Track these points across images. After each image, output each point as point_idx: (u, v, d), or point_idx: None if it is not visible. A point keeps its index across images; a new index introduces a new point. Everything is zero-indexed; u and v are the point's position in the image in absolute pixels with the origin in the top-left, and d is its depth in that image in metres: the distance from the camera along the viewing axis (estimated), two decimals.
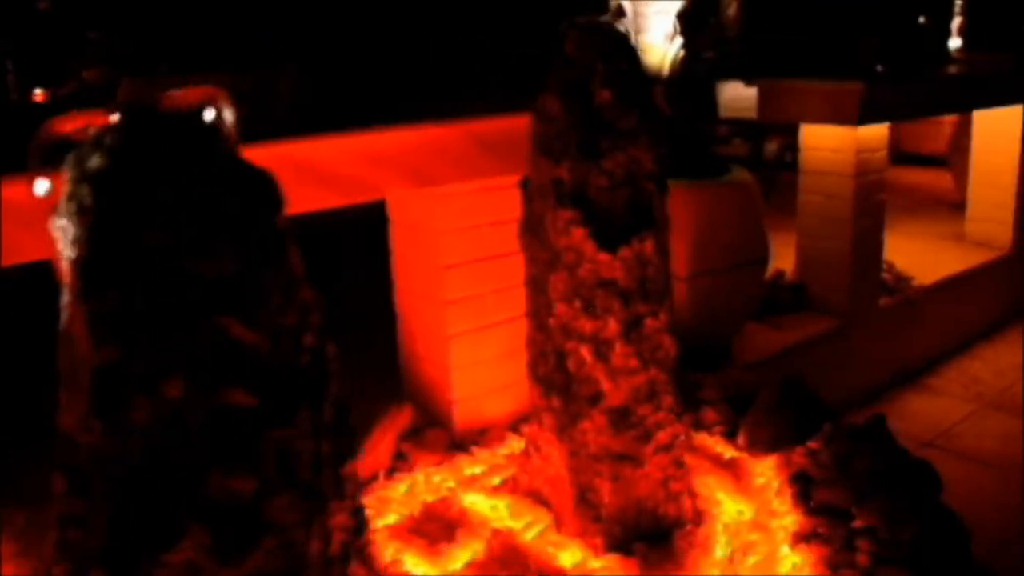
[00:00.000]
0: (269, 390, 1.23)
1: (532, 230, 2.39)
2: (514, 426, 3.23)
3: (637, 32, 3.95)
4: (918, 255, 5.25)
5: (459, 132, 2.95)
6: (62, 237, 1.22)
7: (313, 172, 2.63)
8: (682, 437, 2.56)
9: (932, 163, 7.37)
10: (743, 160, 5.90)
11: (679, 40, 3.88)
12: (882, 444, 2.98)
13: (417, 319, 3.24)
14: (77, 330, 1.19)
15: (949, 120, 6.79)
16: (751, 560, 2.53)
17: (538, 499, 2.69)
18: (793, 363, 4.17)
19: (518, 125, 3.03)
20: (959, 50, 6.47)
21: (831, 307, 4.51)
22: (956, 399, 4.65)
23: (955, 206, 6.26)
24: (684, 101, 3.95)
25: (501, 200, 3.21)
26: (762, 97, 4.45)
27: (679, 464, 2.57)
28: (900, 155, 7.39)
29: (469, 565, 2.49)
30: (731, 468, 2.99)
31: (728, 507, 2.76)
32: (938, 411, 4.58)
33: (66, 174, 1.22)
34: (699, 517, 2.67)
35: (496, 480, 2.88)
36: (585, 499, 2.49)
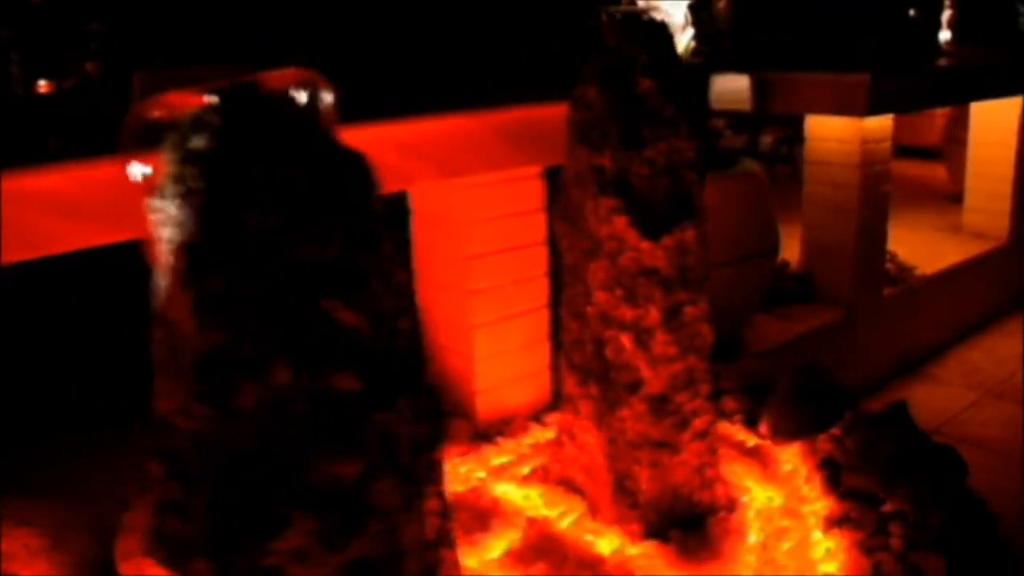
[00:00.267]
0: (371, 374, 1.23)
1: (569, 219, 2.40)
2: (536, 416, 3.25)
3: None
4: (917, 245, 5.31)
5: (485, 122, 2.95)
6: (161, 219, 1.21)
7: None
8: (716, 424, 2.58)
9: (925, 155, 7.45)
10: (739, 153, 5.94)
11: (690, 31, 3.91)
12: (905, 430, 3.02)
13: (439, 310, 3.24)
14: (178, 314, 1.18)
15: (941, 112, 6.86)
16: (785, 546, 2.55)
17: (571, 487, 2.70)
18: (801, 353, 4.21)
19: (542, 115, 3.05)
20: (949, 42, 6.52)
21: (837, 297, 4.55)
22: (958, 388, 4.70)
23: (950, 197, 6.33)
24: (693, 92, 3.98)
25: (523, 190, 3.22)
26: (766, 89, 4.47)
27: (713, 451, 2.60)
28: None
29: (506, 554, 2.49)
30: (756, 455, 3.02)
31: (758, 494, 2.78)
32: (941, 400, 4.63)
33: (166, 155, 1.21)
34: (731, 504, 2.69)
35: (525, 469, 2.89)
36: (622, 486, 2.50)
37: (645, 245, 2.25)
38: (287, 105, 1.23)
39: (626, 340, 2.36)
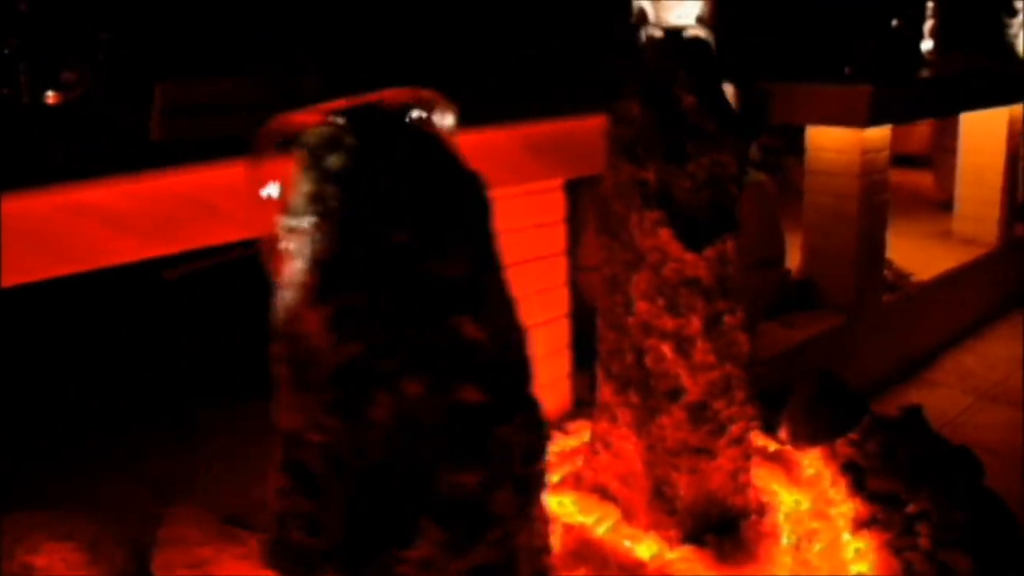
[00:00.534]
0: (492, 386, 1.27)
1: (610, 231, 2.45)
2: (558, 424, 3.29)
3: None
4: (910, 252, 5.41)
5: (512, 135, 3.01)
6: (294, 236, 1.24)
7: None
8: (750, 430, 2.65)
9: (911, 163, 7.57)
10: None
11: None
12: (922, 434, 3.11)
13: None
14: (309, 328, 1.22)
15: (926, 121, 6.99)
16: (817, 547, 2.63)
17: (604, 495, 2.76)
18: (806, 358, 4.30)
19: (567, 128, 3.12)
20: (931, 52, 6.65)
21: (837, 303, 4.64)
22: (954, 391, 4.80)
23: (938, 204, 6.46)
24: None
25: (545, 202, 3.28)
26: (759, 99, 4.55)
27: (747, 456, 2.66)
28: None
29: None
30: (778, 460, 3.09)
31: (784, 497, 2.86)
32: (939, 403, 4.71)
33: (300, 173, 1.24)
34: (761, 508, 2.76)
35: (555, 477, 2.93)
36: (660, 492, 2.56)
37: (688, 256, 2.32)
38: (415, 125, 1.28)
39: (667, 349, 2.42)
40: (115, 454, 3.39)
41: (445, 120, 1.33)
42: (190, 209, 2.41)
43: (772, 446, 3.18)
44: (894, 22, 6.88)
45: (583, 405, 3.31)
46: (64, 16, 4.54)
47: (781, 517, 2.75)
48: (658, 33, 2.31)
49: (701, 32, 2.29)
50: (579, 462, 2.93)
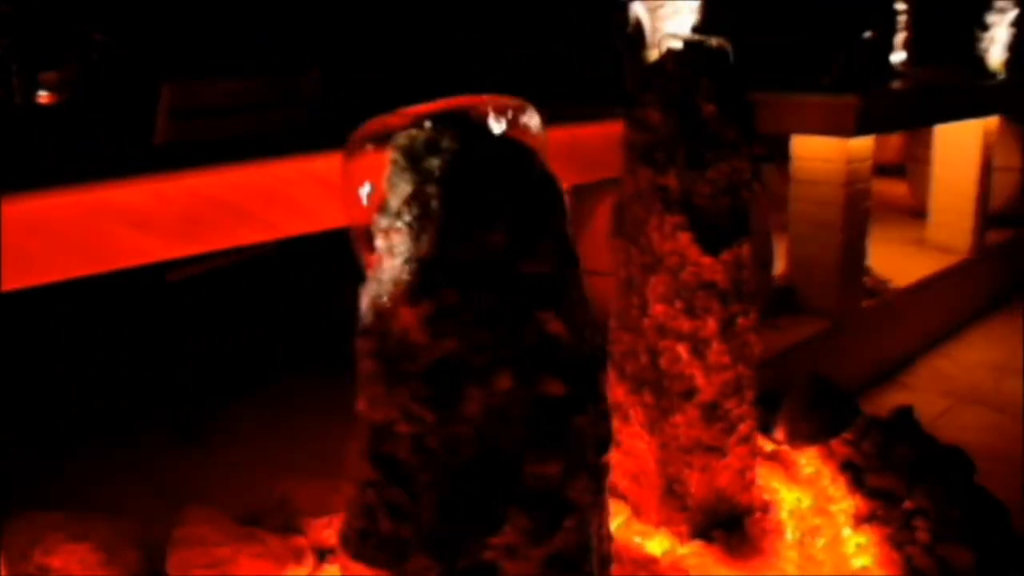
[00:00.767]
0: (572, 379, 1.34)
1: (628, 235, 2.52)
2: None
3: (653, 47, 4.15)
4: (886, 259, 5.54)
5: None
6: (391, 235, 1.29)
7: None
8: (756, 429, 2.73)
9: (883, 171, 7.73)
10: None
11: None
12: (915, 434, 3.22)
13: None
14: (404, 324, 1.26)
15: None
16: (820, 542, 2.72)
17: (614, 492, 2.81)
18: (792, 362, 4.39)
19: (576, 135, 3.19)
20: (904, 64, 6.80)
21: (820, 309, 4.75)
22: (931, 394, 4.92)
23: (911, 213, 6.62)
24: None
25: None
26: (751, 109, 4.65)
27: (754, 454, 2.75)
28: None
29: None
30: (776, 459, 3.18)
31: (786, 495, 2.94)
32: (917, 406, 4.80)
33: (397, 175, 1.29)
34: (765, 505, 2.84)
35: None
36: (672, 490, 2.63)
37: (706, 260, 2.40)
38: (509, 130, 1.33)
39: (682, 350, 2.49)
40: (118, 455, 3.40)
41: (531, 124, 1.39)
42: (212, 210, 2.44)
43: (769, 446, 3.27)
44: (867, 34, 7.02)
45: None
46: (57, 16, 4.53)
47: (784, 514, 2.83)
48: (678, 43, 2.39)
49: (722, 42, 2.37)
50: None
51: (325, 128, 4.11)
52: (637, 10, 4.15)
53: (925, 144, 6.29)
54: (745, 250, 2.44)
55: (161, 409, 3.67)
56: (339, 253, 4.18)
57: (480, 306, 1.25)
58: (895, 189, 7.13)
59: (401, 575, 1.31)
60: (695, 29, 4.18)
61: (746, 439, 2.66)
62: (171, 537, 2.63)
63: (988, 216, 5.93)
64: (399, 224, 1.27)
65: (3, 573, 2.45)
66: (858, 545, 2.71)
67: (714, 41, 2.40)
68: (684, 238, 2.38)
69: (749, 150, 2.40)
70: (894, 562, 2.61)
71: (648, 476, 2.67)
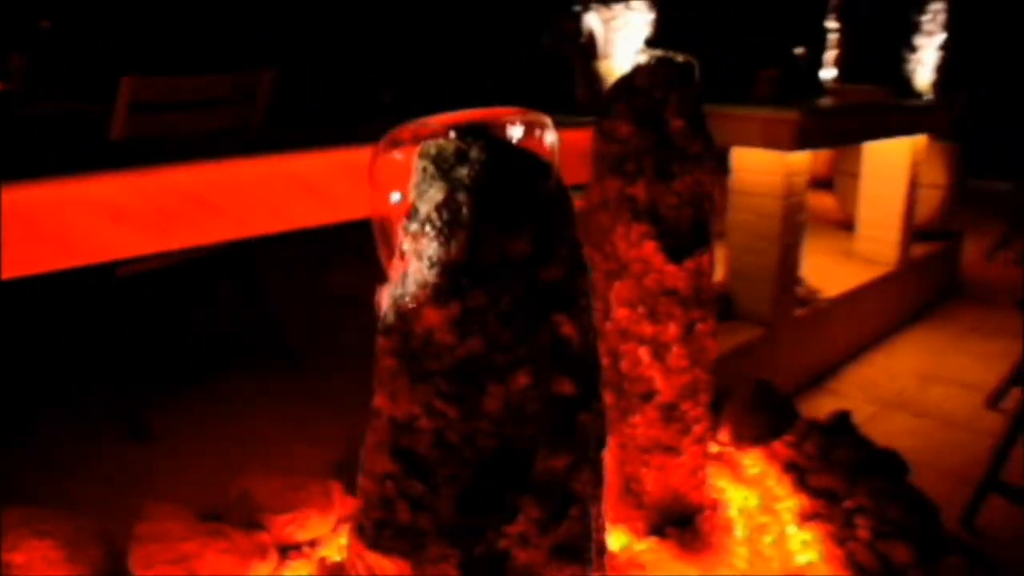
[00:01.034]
0: (579, 379, 1.41)
1: (594, 242, 2.61)
2: None
3: (605, 57, 4.27)
4: (816, 270, 5.75)
5: None
6: (419, 239, 1.35)
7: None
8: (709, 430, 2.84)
9: (812, 185, 8.00)
10: None
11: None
12: (853, 437, 3.37)
13: None
14: (429, 324, 1.33)
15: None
16: (767, 539, 2.84)
17: None
18: (728, 367, 4.54)
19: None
20: (834, 81, 7.05)
21: (756, 317, 4.92)
22: (858, 401, 5.13)
23: (839, 225, 6.87)
24: None
25: None
26: None
27: (707, 454, 2.86)
28: None
29: None
30: (722, 460, 3.31)
31: (733, 494, 3.07)
32: None
33: (427, 182, 1.35)
34: (715, 503, 2.96)
35: None
36: (629, 488, 2.73)
37: (670, 268, 2.50)
38: (527, 142, 1.41)
39: (644, 353, 2.59)
40: (65, 449, 3.37)
41: (548, 138, 1.46)
42: (187, 205, 2.46)
43: (715, 447, 3.39)
44: (798, 50, 7.25)
45: None
46: (3, 4, 4.45)
47: (733, 512, 2.96)
48: (644, 59, 2.49)
49: (688, 58, 2.47)
50: None
51: (282, 125, 4.14)
52: (591, 21, 4.26)
53: (852, 158, 6.55)
54: (706, 259, 2.55)
55: (109, 404, 3.65)
56: (281, 254, 4.21)
57: (503, 308, 1.32)
58: (823, 202, 7.39)
59: (418, 563, 1.37)
60: (647, 42, 4.31)
61: (700, 440, 2.78)
62: (133, 533, 2.63)
63: (914, 230, 6.19)
64: (428, 229, 1.34)
65: None
66: (803, 542, 2.84)
67: (680, 57, 2.50)
68: (649, 246, 2.48)
69: (712, 163, 2.51)
70: (837, 558, 2.74)
71: (607, 475, 2.76)
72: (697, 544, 2.77)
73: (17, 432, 3.43)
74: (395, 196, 1.41)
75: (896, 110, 5.92)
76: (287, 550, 2.70)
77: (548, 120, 1.48)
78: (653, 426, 2.65)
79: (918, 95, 6.38)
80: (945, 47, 6.38)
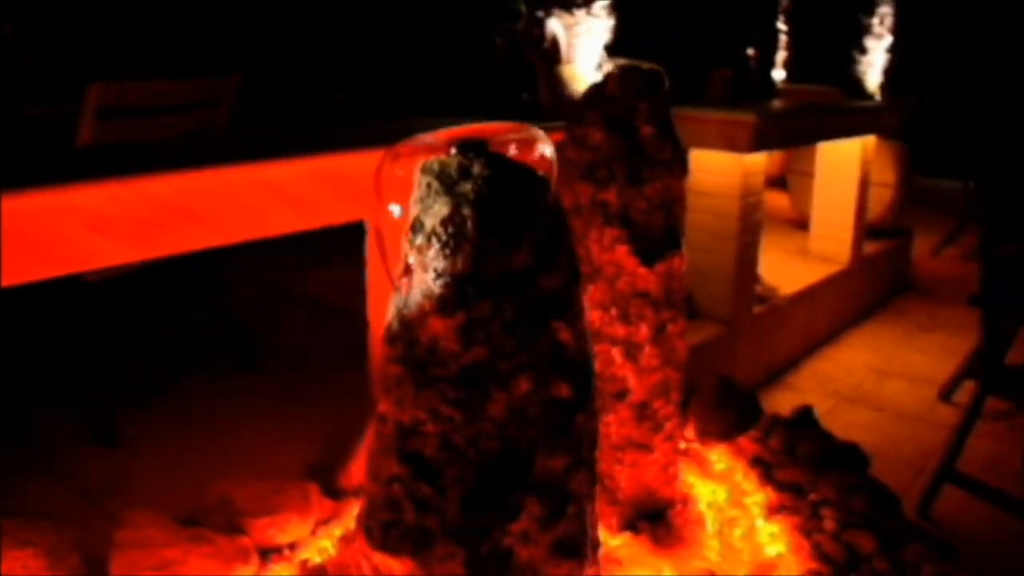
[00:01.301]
0: (576, 382, 1.47)
1: None
2: None
3: (567, 62, 4.34)
4: (772, 268, 5.88)
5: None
6: (424, 252, 1.39)
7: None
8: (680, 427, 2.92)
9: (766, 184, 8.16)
10: None
11: (604, 70, 4.28)
12: (817, 431, 3.48)
13: None
14: (435, 333, 1.38)
15: None
16: (737, 532, 2.93)
17: None
18: (689, 365, 4.64)
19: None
20: (784, 82, 7.20)
21: (715, 314, 5.03)
22: (816, 395, 5.26)
23: (793, 224, 7.02)
24: None
25: None
26: None
27: (677, 451, 2.94)
28: None
29: None
30: (689, 456, 3.39)
31: (702, 489, 3.15)
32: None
33: (431, 196, 1.39)
34: (685, 498, 3.04)
35: None
36: (603, 485, 2.80)
37: (641, 271, 2.57)
38: (524, 156, 1.46)
39: (616, 354, 2.67)
40: (32, 459, 3.36)
41: (545, 152, 1.52)
42: (167, 214, 2.48)
43: (682, 443, 3.47)
44: (749, 51, 7.38)
45: None
46: None
47: (703, 506, 3.04)
48: (611, 66, 2.56)
49: (655, 67, 2.55)
50: None
51: (243, 128, 4.15)
52: (553, 26, 4.33)
53: (805, 157, 6.69)
54: (676, 262, 2.63)
55: (75, 410, 3.65)
56: (245, 257, 4.21)
57: (507, 317, 1.38)
58: (776, 200, 7.54)
59: (425, 562, 1.42)
60: (606, 48, 4.39)
61: (671, 437, 2.85)
62: (114, 540, 2.64)
63: (866, 228, 6.35)
64: (434, 242, 1.39)
65: None
66: (771, 534, 2.93)
67: (646, 66, 2.58)
68: (622, 250, 2.55)
69: (681, 169, 2.59)
70: (805, 549, 2.84)
71: None
72: (670, 539, 2.84)
73: None
74: (395, 208, 1.46)
75: (848, 111, 6.08)
76: (267, 553, 2.73)
77: (543, 134, 1.54)
78: (626, 424, 2.72)
79: (868, 96, 6.55)
80: (893, 50, 6.55)
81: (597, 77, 4.32)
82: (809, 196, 6.47)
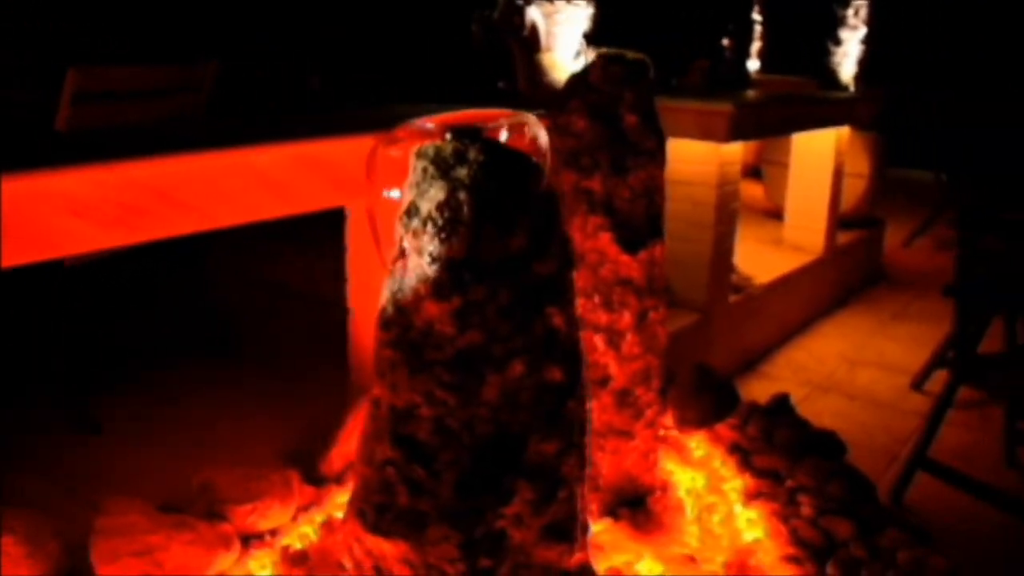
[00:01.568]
0: (567, 367, 1.48)
1: None
2: None
3: (547, 50, 4.35)
4: (746, 257, 5.93)
5: None
6: (420, 236, 1.40)
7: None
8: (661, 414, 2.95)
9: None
10: None
11: (583, 58, 4.29)
12: (793, 419, 3.52)
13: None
14: (430, 317, 1.38)
15: None
16: (716, 518, 2.96)
17: None
18: (666, 352, 4.67)
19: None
20: (759, 72, 7.23)
21: (691, 303, 5.06)
22: (790, 383, 5.31)
23: (767, 214, 7.07)
24: None
25: None
26: None
27: (657, 438, 2.96)
28: None
29: None
30: (667, 443, 3.42)
31: (681, 476, 3.18)
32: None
33: (427, 181, 1.40)
34: (664, 485, 3.07)
35: None
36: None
37: (624, 258, 2.59)
38: (518, 141, 1.47)
39: (599, 340, 2.68)
40: (13, 448, 3.34)
41: (539, 138, 1.53)
42: (150, 199, 2.46)
43: (661, 431, 3.50)
44: (725, 42, 7.41)
45: None
46: None
47: (682, 493, 3.07)
48: (593, 55, 2.57)
49: (639, 56, 2.56)
50: None
51: (219, 113, 4.13)
52: (533, 14, 4.33)
53: (779, 148, 6.74)
54: (658, 250, 2.65)
55: (51, 396, 3.62)
56: (221, 244, 4.19)
57: (502, 302, 1.39)
58: (751, 190, 7.59)
59: (419, 544, 1.43)
60: (585, 36, 4.40)
61: (652, 424, 2.88)
62: (94, 527, 2.63)
63: (839, 219, 6.41)
64: (429, 227, 1.39)
65: None
66: (749, 520, 2.96)
67: (631, 55, 2.59)
68: (605, 238, 2.56)
69: (664, 158, 2.60)
70: (783, 534, 2.87)
71: None
72: (650, 525, 2.87)
73: None
74: (395, 193, 1.46)
75: (823, 102, 6.13)
76: (249, 539, 2.73)
77: (536, 120, 1.55)
78: (607, 411, 2.74)
79: (842, 87, 6.60)
80: (867, 41, 6.60)
81: (576, 66, 4.34)
82: (783, 186, 6.52)
